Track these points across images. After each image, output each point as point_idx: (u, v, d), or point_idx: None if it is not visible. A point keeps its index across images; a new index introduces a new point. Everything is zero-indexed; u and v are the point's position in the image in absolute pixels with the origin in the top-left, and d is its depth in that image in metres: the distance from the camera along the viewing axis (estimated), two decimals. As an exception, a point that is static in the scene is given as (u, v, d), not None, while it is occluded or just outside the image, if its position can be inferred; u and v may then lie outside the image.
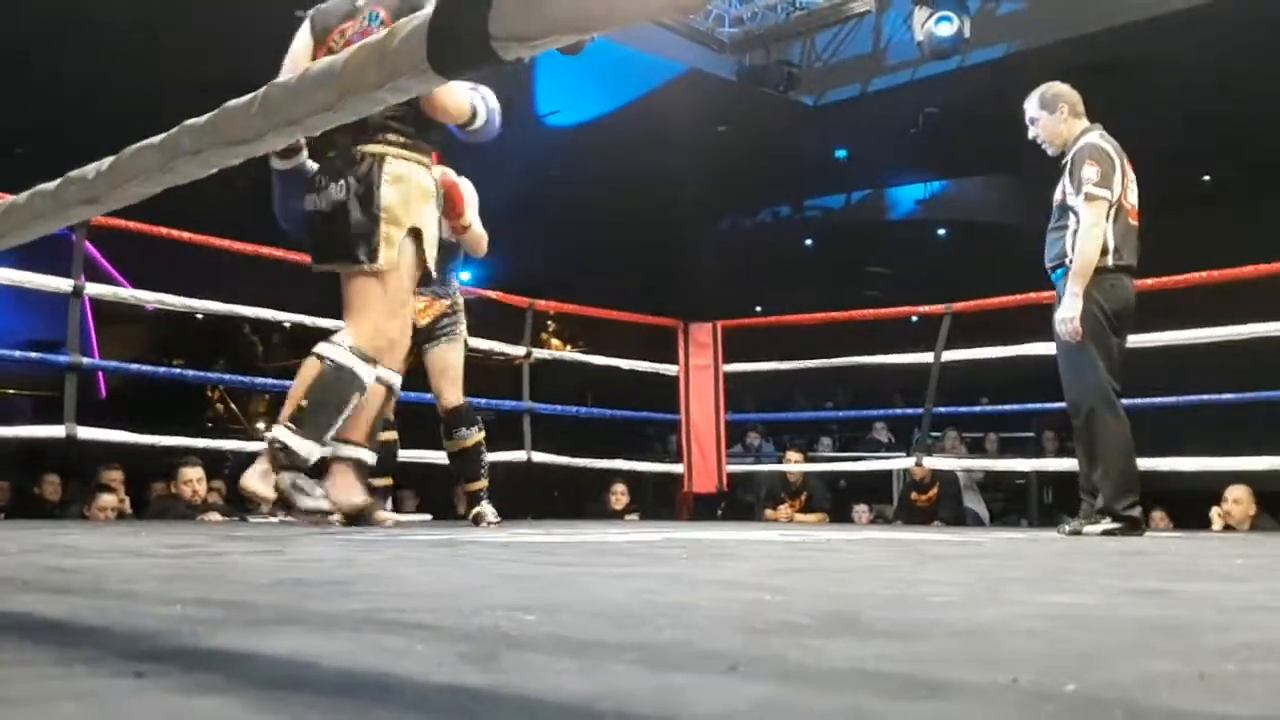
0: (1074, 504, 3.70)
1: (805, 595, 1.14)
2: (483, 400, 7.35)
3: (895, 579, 1.45)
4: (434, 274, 3.16)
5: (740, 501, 7.78)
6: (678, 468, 6.64)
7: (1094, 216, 3.49)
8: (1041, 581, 1.47)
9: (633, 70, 9.13)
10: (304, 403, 2.75)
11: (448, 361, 4.27)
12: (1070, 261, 3.51)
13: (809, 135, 10.65)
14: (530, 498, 8.45)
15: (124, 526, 4.27)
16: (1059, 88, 3.71)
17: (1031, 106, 3.70)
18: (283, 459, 2.72)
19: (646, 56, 8.83)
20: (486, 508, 4.14)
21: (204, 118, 1.09)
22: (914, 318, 6.35)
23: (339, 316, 3.16)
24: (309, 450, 2.75)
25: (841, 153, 11.81)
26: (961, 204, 13.11)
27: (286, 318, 5.82)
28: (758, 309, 11.77)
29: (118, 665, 0.57)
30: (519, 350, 6.20)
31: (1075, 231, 3.52)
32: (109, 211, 1.43)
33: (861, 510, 7.30)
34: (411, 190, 2.94)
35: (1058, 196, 3.62)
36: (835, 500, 7.32)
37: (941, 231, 13.59)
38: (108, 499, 5.83)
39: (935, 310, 5.75)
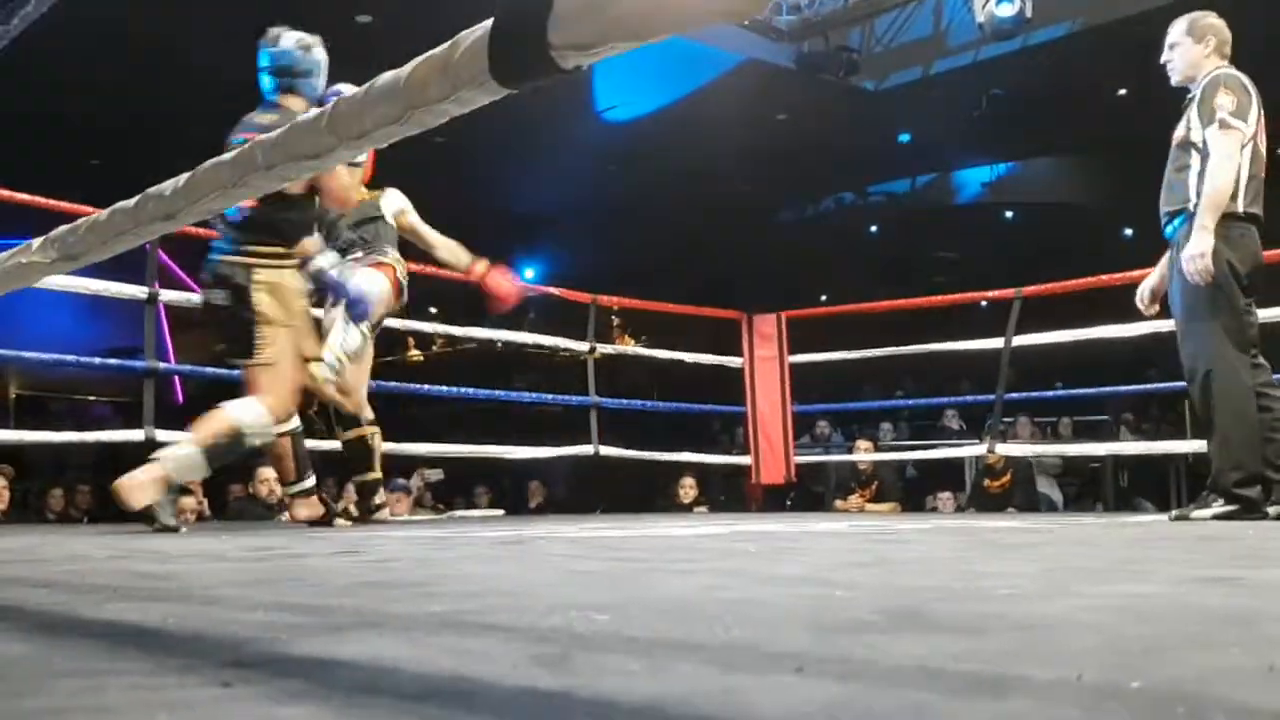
0: (1151, 487, 3.61)
1: (872, 590, 1.15)
2: (549, 396, 7.42)
3: (963, 571, 1.44)
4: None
5: (810, 492, 7.74)
6: (745, 459, 6.63)
7: (1228, 148, 3.15)
8: (1110, 571, 1.45)
9: (690, 62, 9.12)
10: (211, 443, 3.18)
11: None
12: (1195, 206, 3.16)
13: (871, 120, 10.55)
14: (599, 492, 8.51)
15: (204, 528, 4.38)
16: (1213, 20, 3.39)
17: (1176, 31, 3.39)
18: (173, 477, 3.17)
19: (704, 48, 8.82)
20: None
21: (275, 133, 1.12)
22: (983, 303, 6.26)
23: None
24: (193, 477, 3.39)
25: (905, 137, 11.69)
26: (1030, 185, 12.89)
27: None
28: (823, 298, 11.69)
29: (207, 673, 0.59)
30: (583, 346, 6.22)
31: (1200, 172, 3.18)
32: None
33: (945, 498, 7.22)
34: (284, 293, 3.37)
35: (1179, 134, 3.29)
36: (906, 489, 7.26)
37: (1009, 214, 13.37)
38: (187, 501, 5.98)
39: (1005, 295, 5.67)
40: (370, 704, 0.51)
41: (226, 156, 1.19)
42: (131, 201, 1.31)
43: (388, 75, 0.98)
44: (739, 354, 6.62)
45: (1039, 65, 8.75)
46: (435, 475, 7.78)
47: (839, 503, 6.85)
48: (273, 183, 1.18)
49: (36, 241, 1.39)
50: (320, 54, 3.44)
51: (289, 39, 3.41)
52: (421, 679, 0.58)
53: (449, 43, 0.91)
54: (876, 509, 6.59)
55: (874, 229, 14.19)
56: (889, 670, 0.63)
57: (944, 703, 0.54)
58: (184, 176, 1.23)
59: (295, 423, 3.72)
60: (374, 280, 3.74)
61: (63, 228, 1.37)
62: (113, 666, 0.64)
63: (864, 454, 6.93)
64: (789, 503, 7.50)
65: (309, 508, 3.82)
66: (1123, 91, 9.21)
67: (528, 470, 8.36)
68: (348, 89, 3.23)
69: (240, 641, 0.73)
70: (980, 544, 2.18)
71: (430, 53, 0.94)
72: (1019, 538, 2.43)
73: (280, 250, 3.35)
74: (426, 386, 6.62)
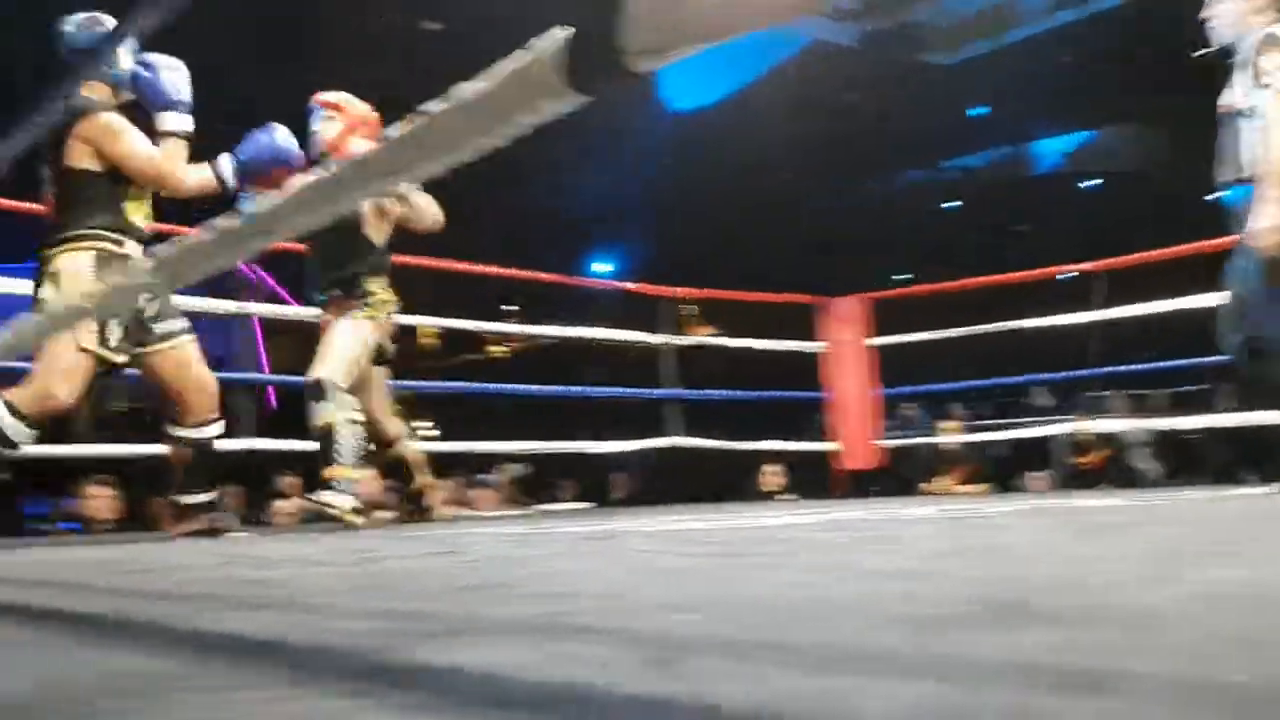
0: (1253, 459, 3.50)
1: (964, 581, 1.14)
2: (626, 389, 7.46)
3: (1058, 557, 1.43)
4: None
5: (897, 476, 7.66)
6: (829, 445, 6.59)
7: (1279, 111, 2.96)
8: (1211, 555, 1.42)
9: (755, 47, 9.07)
10: None
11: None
12: (1252, 174, 3.01)
13: (942, 95, 10.39)
14: (681, 483, 8.52)
15: (302, 531, 4.50)
16: None
17: None
18: None
19: (768, 32, 8.77)
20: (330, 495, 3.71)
21: (363, 151, 1.13)
22: (1068, 275, 6.14)
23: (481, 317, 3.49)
24: None
25: (978, 110, 11.48)
26: (1111, 153, 12.57)
27: (436, 322, 6.02)
28: (901, 278, 11.55)
29: (326, 685, 0.62)
30: (658, 338, 6.24)
31: (1253, 139, 3.01)
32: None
33: (1036, 477, 7.10)
34: (67, 282, 3.14)
35: (1231, 99, 3.14)
36: (996, 469, 7.15)
37: (1091, 183, 13.06)
38: (286, 504, 6.15)
39: (1090, 266, 5.55)
40: (492, 715, 0.53)
41: (310, 178, 1.21)
42: (230, 220, 1.33)
43: (465, 88, 0.99)
44: (817, 339, 6.58)
45: (1111, 30, 8.53)
46: (518, 470, 7.87)
47: (926, 486, 6.77)
48: (361, 198, 1.20)
49: (149, 263, 1.44)
50: (107, 28, 3.10)
51: (70, 22, 3.17)
52: (537, 687, 0.59)
53: (522, 52, 0.92)
54: (965, 491, 6.51)
55: (950, 205, 13.96)
56: (984, 667, 0.63)
57: (1044, 700, 0.54)
58: (280, 195, 1.25)
59: (214, 430, 3.48)
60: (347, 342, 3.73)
61: (164, 247, 1.42)
62: (229, 681, 0.67)
63: (951, 435, 6.84)
64: (875, 488, 7.43)
65: (194, 522, 3.44)
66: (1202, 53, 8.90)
67: (610, 463, 8.40)
68: (159, 59, 3.12)
69: (353, 651, 0.75)
70: (1074, 526, 2.14)
71: (504, 63, 0.94)
72: (1115, 517, 2.38)
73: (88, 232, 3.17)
74: (507, 386, 6.70)
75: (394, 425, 4.13)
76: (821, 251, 12.73)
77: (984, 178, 13.30)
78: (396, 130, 1.09)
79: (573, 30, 0.87)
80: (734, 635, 0.79)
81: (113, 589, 1.53)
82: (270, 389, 11.99)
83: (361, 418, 3.80)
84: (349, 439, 3.74)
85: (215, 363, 7.61)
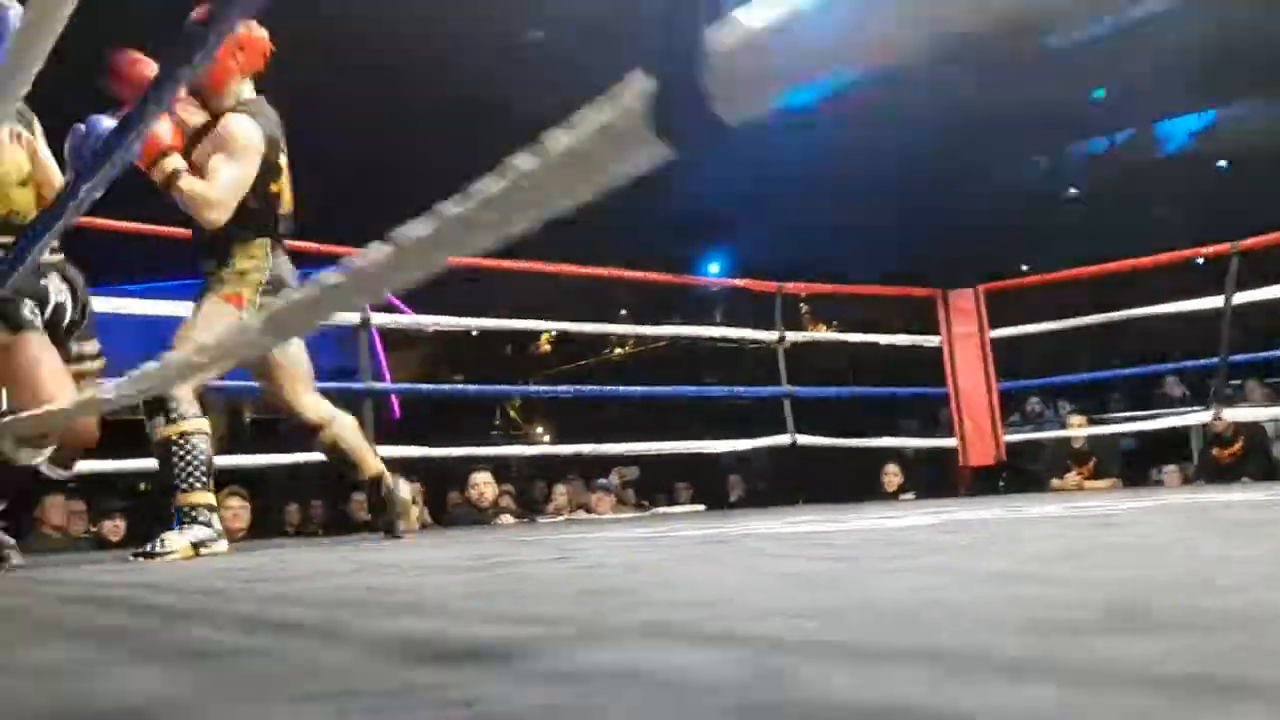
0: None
1: (1089, 584, 1.12)
2: (742, 389, 7.45)
3: (1188, 557, 1.38)
4: None
5: (1023, 472, 7.48)
6: (951, 442, 6.47)
7: None
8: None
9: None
10: None
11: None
12: None
13: (1060, 79, 10.09)
14: (799, 483, 8.46)
15: (427, 538, 4.61)
16: None
17: None
18: None
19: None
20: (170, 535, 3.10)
21: (461, 207, 1.11)
22: (1199, 260, 5.91)
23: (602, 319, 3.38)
24: None
25: (1099, 92, 11.12)
26: (1242, 132, 12.02)
27: (550, 326, 6.10)
28: (1024, 268, 11.25)
29: (452, 691, 0.64)
30: (772, 335, 6.21)
31: None
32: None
33: (1170, 471, 6.84)
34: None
35: None
36: (1127, 463, 6.92)
37: (1222, 164, 12.52)
38: (413, 511, 6.31)
39: (1221, 249, 5.33)
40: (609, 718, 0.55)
41: (424, 230, 1.19)
42: (336, 277, 1.34)
43: (559, 141, 0.96)
44: (935, 333, 6.47)
45: (1235, 3, 8.17)
46: (631, 473, 7.93)
47: (1055, 481, 6.59)
48: (467, 250, 1.20)
49: (331, 277, 1.47)
50: None
51: None
52: (648, 693, 0.61)
53: (608, 104, 0.89)
54: (1095, 486, 6.31)
55: (1072, 191, 13.54)
56: (1107, 674, 0.62)
57: (1165, 707, 0.53)
58: (381, 253, 1.24)
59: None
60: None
61: (337, 267, 1.45)
62: (361, 683, 0.70)
63: (1078, 429, 6.65)
64: (1001, 484, 7.26)
65: None
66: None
67: (727, 464, 8.40)
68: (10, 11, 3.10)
69: (482, 657, 0.78)
70: (1209, 523, 2.07)
71: (589, 116, 0.91)
72: (1252, 513, 2.29)
73: None
74: (622, 388, 6.75)
75: (317, 407, 3.69)
76: (939, 243, 12.48)
77: (1107, 162, 12.87)
78: (487, 185, 1.09)
79: (657, 81, 0.83)
80: (849, 640, 0.79)
81: (248, 595, 1.60)
82: (393, 399, 12.34)
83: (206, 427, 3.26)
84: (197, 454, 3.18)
85: (341, 373, 7.86)
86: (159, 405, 3.14)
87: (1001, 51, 8.97)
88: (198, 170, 3.27)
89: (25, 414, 2.81)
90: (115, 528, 6.10)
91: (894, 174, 11.51)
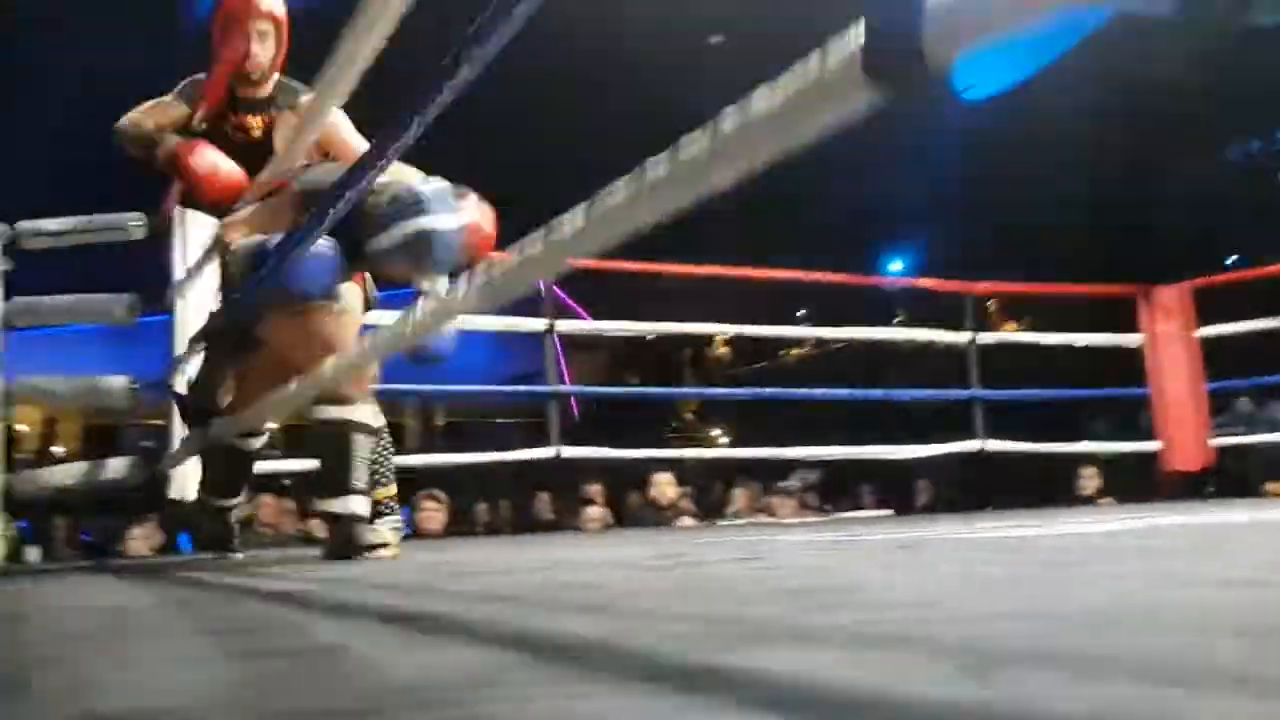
0: None
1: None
2: (928, 391, 7.27)
3: None
4: None
5: (1232, 476, 7.02)
6: (1153, 445, 6.14)
7: None
8: None
9: (1055, 25, 8.60)
10: None
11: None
12: None
13: (1274, 58, 9.43)
14: (989, 488, 8.19)
15: (610, 537, 4.69)
16: None
17: None
18: None
19: (1071, 9, 8.28)
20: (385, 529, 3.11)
21: (664, 162, 1.12)
22: None
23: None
24: None
25: (1315, 71, 10.34)
26: None
27: (728, 330, 6.11)
28: (1229, 261, 10.58)
29: (639, 685, 0.65)
30: (961, 336, 6.04)
31: None
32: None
33: None
34: None
35: None
36: (1352, 468, 6.40)
37: None
38: (594, 511, 6.44)
39: None
40: (807, 715, 0.55)
41: (618, 187, 1.21)
42: (538, 242, 1.39)
43: (761, 96, 0.98)
44: (1135, 331, 6.16)
45: None
46: (812, 477, 7.85)
47: (1270, 486, 6.17)
48: (658, 213, 1.22)
49: (459, 283, 1.54)
50: None
51: None
52: (849, 693, 0.60)
53: (815, 56, 0.91)
54: (1316, 492, 5.88)
55: (1283, 177, 12.65)
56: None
57: None
58: (581, 212, 1.27)
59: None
60: None
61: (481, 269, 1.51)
62: (554, 676, 0.71)
63: (1294, 432, 6.20)
64: (1209, 490, 6.84)
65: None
66: None
67: (913, 468, 8.20)
68: None
69: (668, 652, 0.79)
70: None
71: (797, 68, 0.94)
72: None
73: None
74: (802, 390, 6.69)
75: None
76: (1136, 238, 11.87)
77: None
78: (691, 143, 1.11)
79: (868, 27, 0.85)
80: (1053, 645, 0.76)
81: (444, 591, 1.66)
82: (573, 400, 12.60)
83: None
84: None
85: (521, 379, 8.05)
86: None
87: (1210, 26, 8.46)
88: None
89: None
90: (322, 525, 6.42)
91: (1087, 167, 11.01)
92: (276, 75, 3.29)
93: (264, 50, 3.23)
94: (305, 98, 3.14)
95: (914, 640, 0.81)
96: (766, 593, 1.28)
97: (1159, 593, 1.11)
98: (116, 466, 3.83)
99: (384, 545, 2.96)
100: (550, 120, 9.06)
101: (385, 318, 4.15)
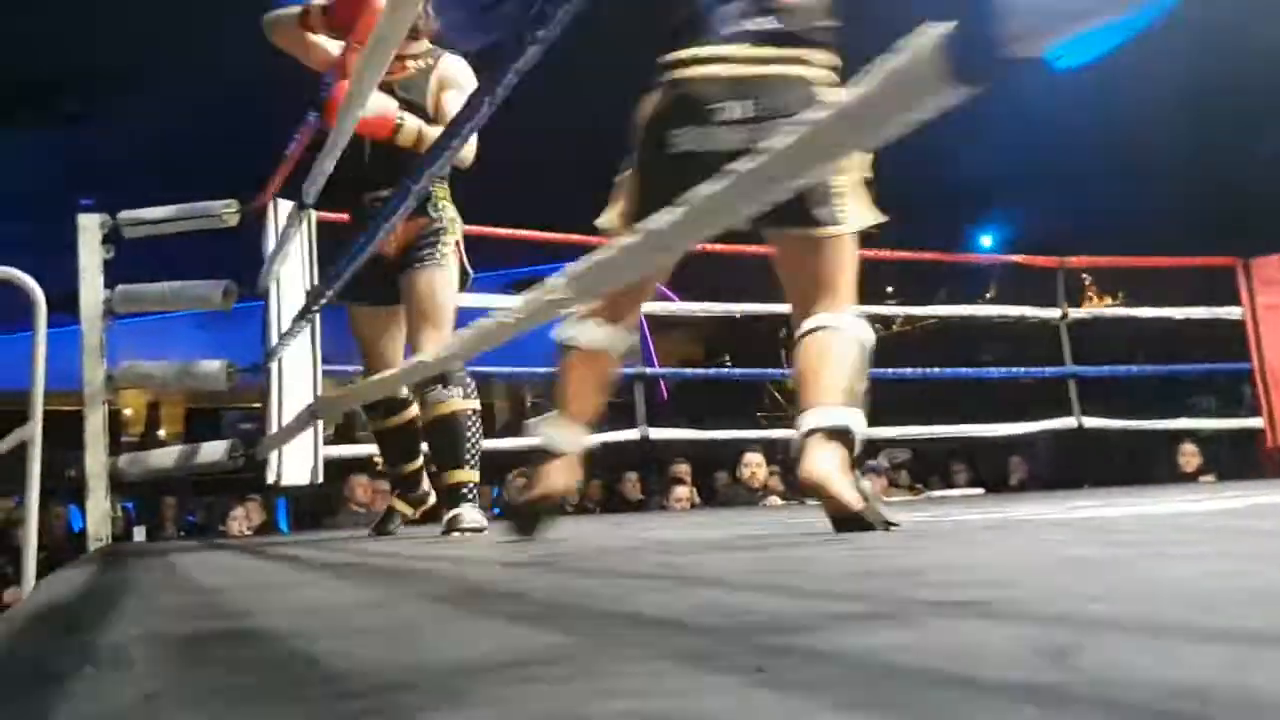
0: None
1: None
2: (1022, 369, 7.14)
3: None
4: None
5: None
6: (1256, 421, 5.97)
7: None
8: None
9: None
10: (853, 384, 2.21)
11: (426, 294, 3.26)
12: None
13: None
14: (1085, 466, 8.03)
15: (698, 516, 4.72)
16: None
17: None
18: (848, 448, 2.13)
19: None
20: (468, 510, 3.09)
21: (756, 162, 1.13)
22: None
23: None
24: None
25: None
26: None
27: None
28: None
29: (737, 660, 0.68)
30: (1054, 312, 5.93)
31: None
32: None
33: None
34: None
35: None
36: None
37: None
38: (682, 491, 6.48)
39: None
40: (889, 691, 0.57)
41: (711, 189, 1.23)
42: (636, 238, 1.42)
43: (853, 92, 1.00)
44: (1236, 304, 5.98)
45: None
46: (902, 455, 7.77)
47: (1379, 464, 5.95)
48: (744, 211, 1.24)
49: (559, 280, 1.58)
50: None
51: None
52: (930, 670, 0.62)
53: (900, 51, 0.93)
54: None
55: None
56: None
57: None
58: (679, 210, 1.30)
59: None
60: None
61: (578, 265, 1.54)
62: (664, 652, 0.75)
63: None
64: (1315, 468, 6.62)
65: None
66: None
67: (1007, 446, 8.08)
68: None
69: (764, 631, 0.81)
70: None
71: (882, 63, 0.96)
72: None
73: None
74: (891, 369, 6.63)
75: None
76: (1233, 207, 11.46)
77: None
78: (780, 140, 1.13)
79: (949, 23, 0.87)
80: (1141, 624, 0.77)
81: (545, 566, 1.71)
82: (661, 381, 12.64)
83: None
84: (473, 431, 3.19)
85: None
86: (445, 380, 3.14)
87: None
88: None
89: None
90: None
91: (1180, 140, 10.66)
92: None
93: None
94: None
95: (995, 617, 0.83)
96: (853, 572, 1.30)
97: (1250, 571, 1.10)
98: (213, 449, 3.97)
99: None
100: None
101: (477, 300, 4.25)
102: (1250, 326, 5.89)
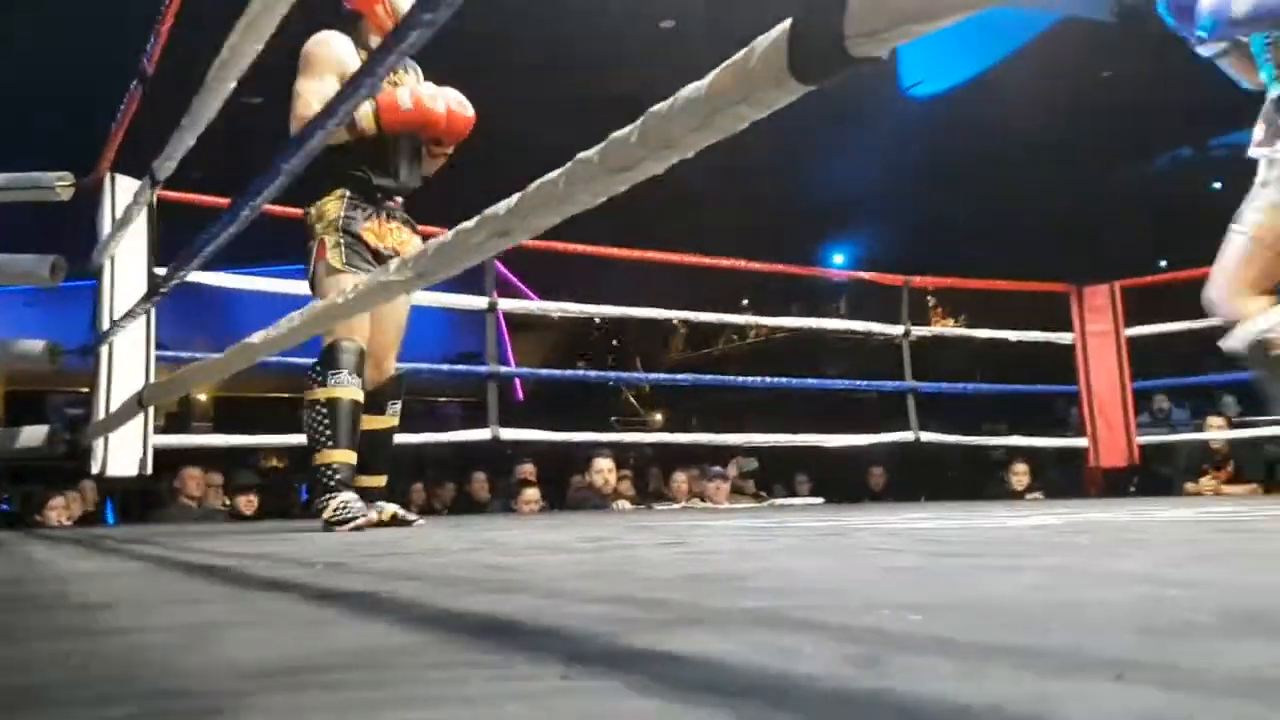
0: None
1: (1213, 589, 1.08)
2: (864, 382, 7.36)
3: (1326, 567, 1.32)
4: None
5: (1155, 475, 7.21)
6: (1081, 441, 6.28)
7: None
8: None
9: (1001, 28, 8.71)
10: None
11: (402, 314, 3.45)
12: None
13: (1209, 69, 9.64)
14: (922, 480, 8.32)
15: (546, 519, 4.69)
16: None
17: None
18: None
19: (1015, 12, 8.40)
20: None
21: (594, 150, 1.15)
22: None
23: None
24: None
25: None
26: None
27: (674, 315, 6.12)
28: (1162, 264, 10.82)
29: (550, 666, 0.66)
30: (897, 329, 6.12)
31: None
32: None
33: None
34: None
35: None
36: (1269, 470, 6.60)
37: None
38: (531, 493, 6.43)
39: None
40: (694, 700, 0.56)
41: (553, 174, 1.23)
42: (472, 222, 1.41)
43: (690, 86, 1.01)
44: (1068, 329, 6.29)
45: None
46: (750, 464, 7.91)
47: (1189, 486, 6.34)
48: (592, 197, 1.24)
49: (394, 262, 1.55)
50: None
51: None
52: (741, 676, 0.62)
53: (745, 49, 0.93)
54: (1233, 491, 6.05)
55: (1217, 185, 12.93)
56: (1217, 679, 0.61)
57: (1275, 715, 0.52)
58: (516, 196, 1.29)
59: None
60: None
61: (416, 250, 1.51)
62: (471, 658, 0.72)
63: (1218, 432, 6.37)
64: (1133, 488, 7.02)
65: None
66: None
67: (848, 458, 8.30)
68: None
69: (580, 635, 0.80)
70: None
71: (728, 60, 0.96)
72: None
73: None
74: (738, 379, 6.73)
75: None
76: (1072, 238, 12.08)
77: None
78: (626, 131, 1.12)
79: (792, 20, 0.87)
80: (952, 636, 0.78)
81: (370, 570, 1.66)
82: (517, 381, 12.55)
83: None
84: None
85: (466, 358, 8.02)
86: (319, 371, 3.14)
87: (1152, 39, 8.62)
88: None
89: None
90: (249, 502, 6.35)
91: (1027, 168, 11.17)
92: None
93: None
94: None
95: (813, 626, 0.83)
96: (681, 577, 1.30)
97: (1066, 587, 1.14)
98: (33, 434, 3.70)
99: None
100: (493, 103, 8.99)
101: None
102: (1079, 350, 6.20)
